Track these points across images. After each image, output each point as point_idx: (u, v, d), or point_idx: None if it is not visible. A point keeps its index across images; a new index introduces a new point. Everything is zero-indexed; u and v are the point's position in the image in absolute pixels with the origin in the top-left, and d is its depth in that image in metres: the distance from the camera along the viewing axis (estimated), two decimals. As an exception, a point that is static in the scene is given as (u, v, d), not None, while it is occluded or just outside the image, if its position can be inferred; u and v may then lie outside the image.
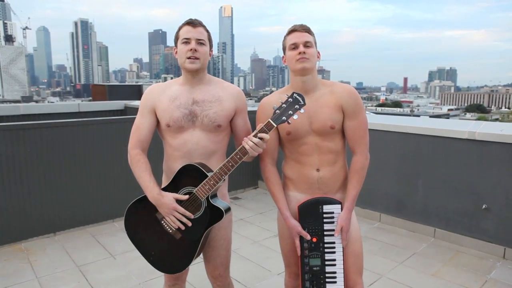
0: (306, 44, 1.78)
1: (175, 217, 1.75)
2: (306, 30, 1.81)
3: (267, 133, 1.63)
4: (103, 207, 4.30)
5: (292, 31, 1.82)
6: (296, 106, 1.62)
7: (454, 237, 3.80)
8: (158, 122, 1.92)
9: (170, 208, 1.75)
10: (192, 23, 1.81)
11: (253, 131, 1.70)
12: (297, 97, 1.63)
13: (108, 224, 4.33)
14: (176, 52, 1.86)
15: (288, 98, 1.63)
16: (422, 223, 4.04)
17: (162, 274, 2.02)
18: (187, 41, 1.79)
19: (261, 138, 1.63)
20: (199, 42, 1.80)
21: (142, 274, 3.19)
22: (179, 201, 1.77)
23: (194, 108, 1.85)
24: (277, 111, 1.63)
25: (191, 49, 1.78)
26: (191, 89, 1.87)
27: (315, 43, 1.84)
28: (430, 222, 3.98)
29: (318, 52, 1.86)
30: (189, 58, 1.79)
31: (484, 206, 3.58)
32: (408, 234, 4.05)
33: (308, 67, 1.79)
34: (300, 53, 1.76)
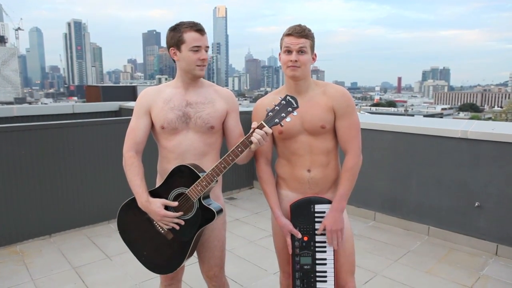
0: (301, 50, 1.76)
1: (166, 222, 1.78)
2: (303, 35, 1.76)
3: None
4: (98, 209, 4.30)
5: (289, 34, 1.78)
6: (289, 108, 1.62)
7: (447, 235, 3.84)
8: (152, 124, 1.93)
9: (159, 215, 1.76)
10: (201, 30, 1.82)
11: (245, 132, 1.71)
12: (290, 99, 1.62)
13: (104, 225, 4.32)
14: (175, 53, 1.85)
15: (282, 100, 1.63)
16: (416, 222, 4.08)
17: (158, 274, 2.03)
18: (197, 50, 1.81)
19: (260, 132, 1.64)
20: (206, 50, 1.85)
21: (138, 275, 3.19)
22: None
23: (187, 109, 1.87)
24: (270, 113, 1.63)
25: (202, 59, 1.82)
26: (185, 91, 1.91)
27: (312, 46, 1.81)
28: (424, 220, 4.03)
29: (315, 54, 1.85)
30: (198, 65, 1.83)
31: (476, 204, 3.63)
32: (402, 233, 4.09)
33: (298, 75, 1.80)
34: (291, 61, 1.76)
